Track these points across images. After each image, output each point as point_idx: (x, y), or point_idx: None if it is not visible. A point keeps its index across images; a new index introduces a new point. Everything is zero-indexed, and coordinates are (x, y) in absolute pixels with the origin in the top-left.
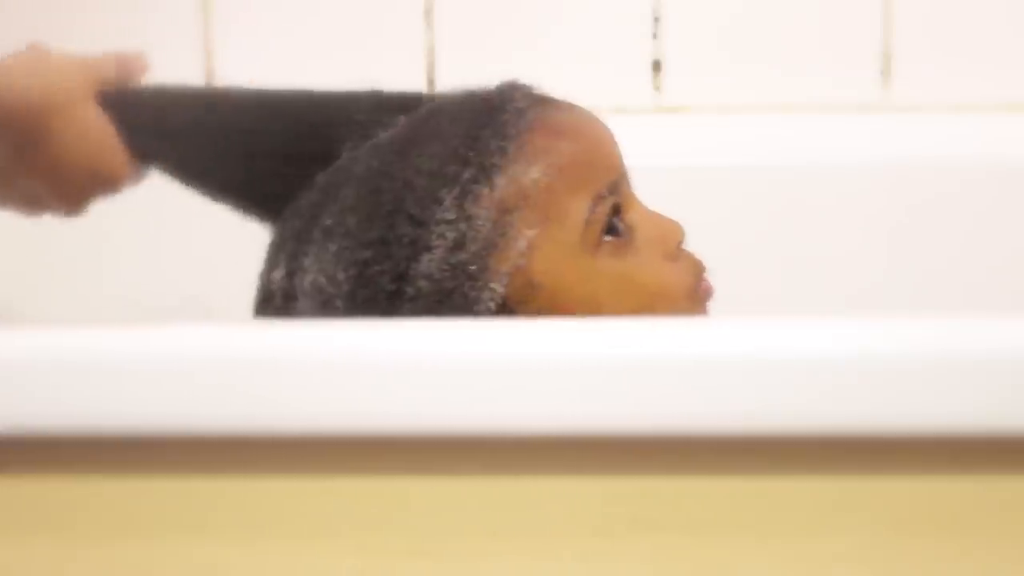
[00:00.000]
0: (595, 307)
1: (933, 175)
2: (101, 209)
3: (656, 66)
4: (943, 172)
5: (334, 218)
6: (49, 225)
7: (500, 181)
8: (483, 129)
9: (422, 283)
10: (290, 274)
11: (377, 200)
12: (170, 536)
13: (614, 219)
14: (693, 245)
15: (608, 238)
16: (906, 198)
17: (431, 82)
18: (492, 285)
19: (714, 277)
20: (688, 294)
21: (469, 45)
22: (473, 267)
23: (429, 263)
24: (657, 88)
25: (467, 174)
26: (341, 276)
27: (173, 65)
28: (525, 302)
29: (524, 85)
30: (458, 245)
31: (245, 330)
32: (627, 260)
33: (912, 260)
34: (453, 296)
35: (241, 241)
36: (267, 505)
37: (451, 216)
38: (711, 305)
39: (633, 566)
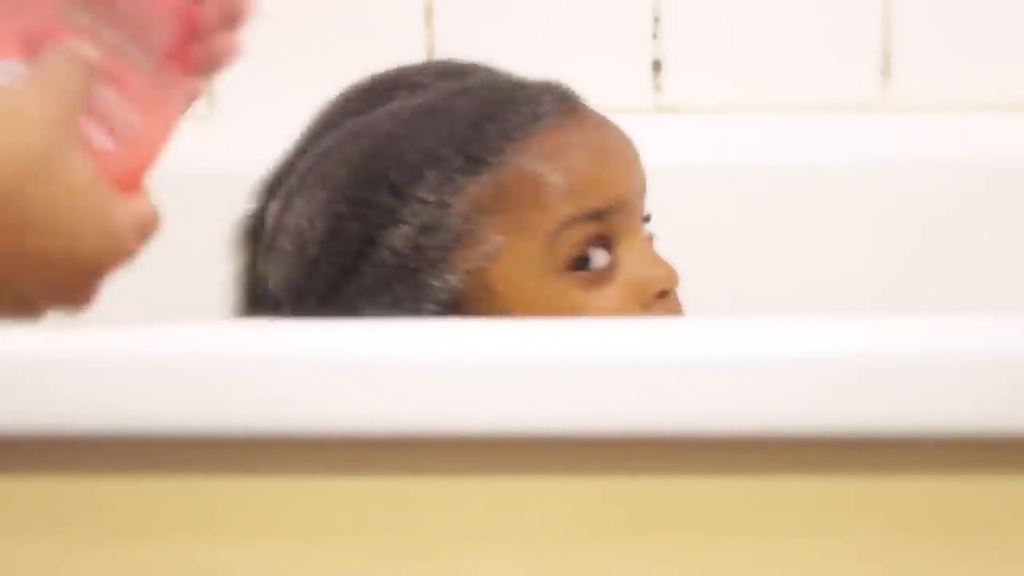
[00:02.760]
0: None
1: (933, 175)
2: None
3: (656, 66)
4: (943, 172)
5: (332, 167)
6: None
7: (484, 178)
8: (489, 121)
9: (386, 253)
10: (283, 209)
11: (370, 162)
12: (170, 536)
13: (589, 250)
14: (692, 245)
15: (581, 271)
16: (906, 198)
17: None
18: (448, 277)
19: (714, 277)
20: None
21: (469, 45)
22: (436, 255)
23: (397, 237)
24: (657, 88)
25: (457, 162)
26: (319, 224)
27: None
28: (478, 303)
29: (563, 89)
30: (428, 229)
31: (245, 330)
32: (590, 296)
33: (912, 260)
34: (411, 276)
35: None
36: (267, 505)
37: (430, 198)
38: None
39: (633, 566)
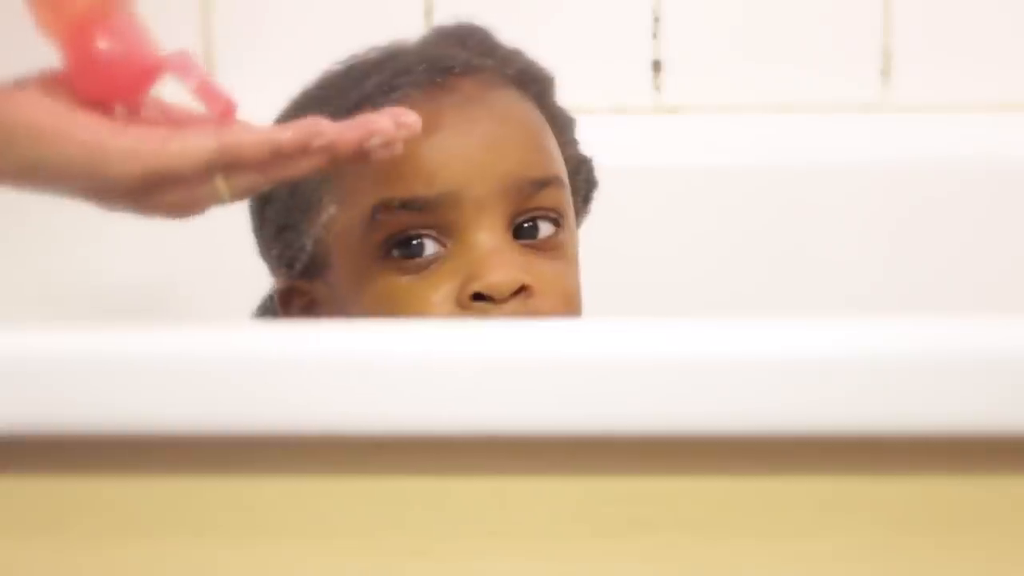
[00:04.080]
0: (362, 309)
1: (933, 175)
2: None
3: (656, 66)
4: (943, 172)
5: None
6: None
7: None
8: (355, 88)
9: (271, 208)
10: None
11: (278, 117)
12: (170, 536)
13: (423, 238)
14: (692, 245)
15: (397, 253)
16: (906, 198)
17: None
18: (305, 241)
19: (713, 277)
20: None
21: None
22: (297, 216)
23: (279, 191)
24: (657, 88)
25: None
26: None
27: None
28: (325, 270)
29: (448, 61)
30: (294, 190)
31: (245, 330)
32: (407, 282)
33: (912, 260)
34: (284, 232)
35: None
36: (267, 505)
37: None
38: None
39: (633, 566)
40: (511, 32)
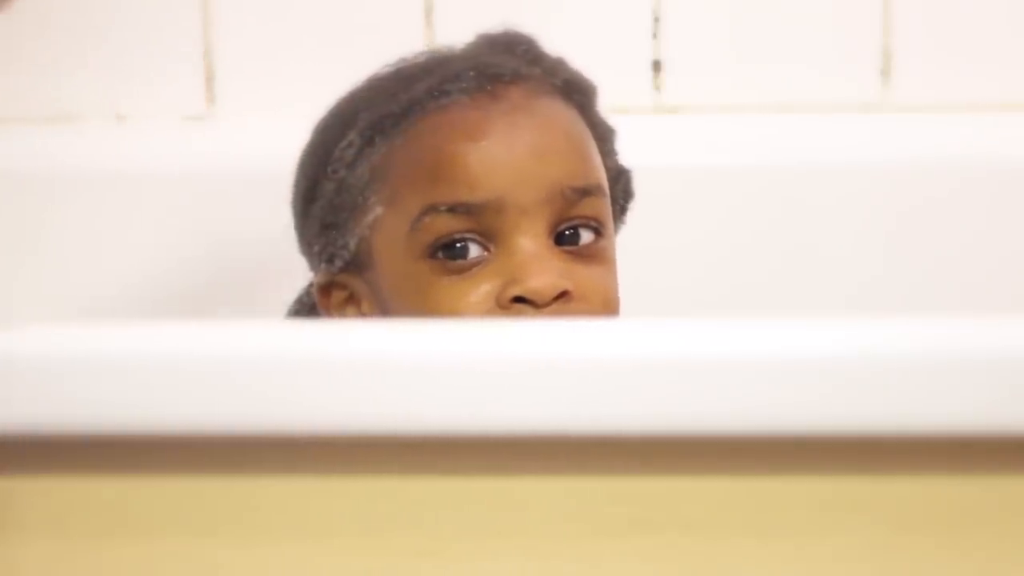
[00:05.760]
0: (404, 307)
1: (933, 175)
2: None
3: (656, 66)
4: (943, 172)
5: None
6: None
7: (383, 147)
8: (405, 91)
9: (316, 205)
10: None
11: (326, 117)
12: (170, 536)
13: (467, 241)
14: (692, 245)
15: (441, 255)
16: (906, 198)
17: None
18: (349, 239)
19: (713, 277)
20: None
21: None
22: (344, 215)
23: (325, 191)
24: (657, 88)
25: (368, 127)
26: (297, 166)
27: (173, 65)
28: (368, 268)
29: (497, 69)
30: (341, 188)
31: (245, 330)
32: (449, 284)
33: (911, 260)
34: (329, 230)
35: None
36: (267, 505)
37: (346, 159)
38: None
39: (633, 566)
40: None
